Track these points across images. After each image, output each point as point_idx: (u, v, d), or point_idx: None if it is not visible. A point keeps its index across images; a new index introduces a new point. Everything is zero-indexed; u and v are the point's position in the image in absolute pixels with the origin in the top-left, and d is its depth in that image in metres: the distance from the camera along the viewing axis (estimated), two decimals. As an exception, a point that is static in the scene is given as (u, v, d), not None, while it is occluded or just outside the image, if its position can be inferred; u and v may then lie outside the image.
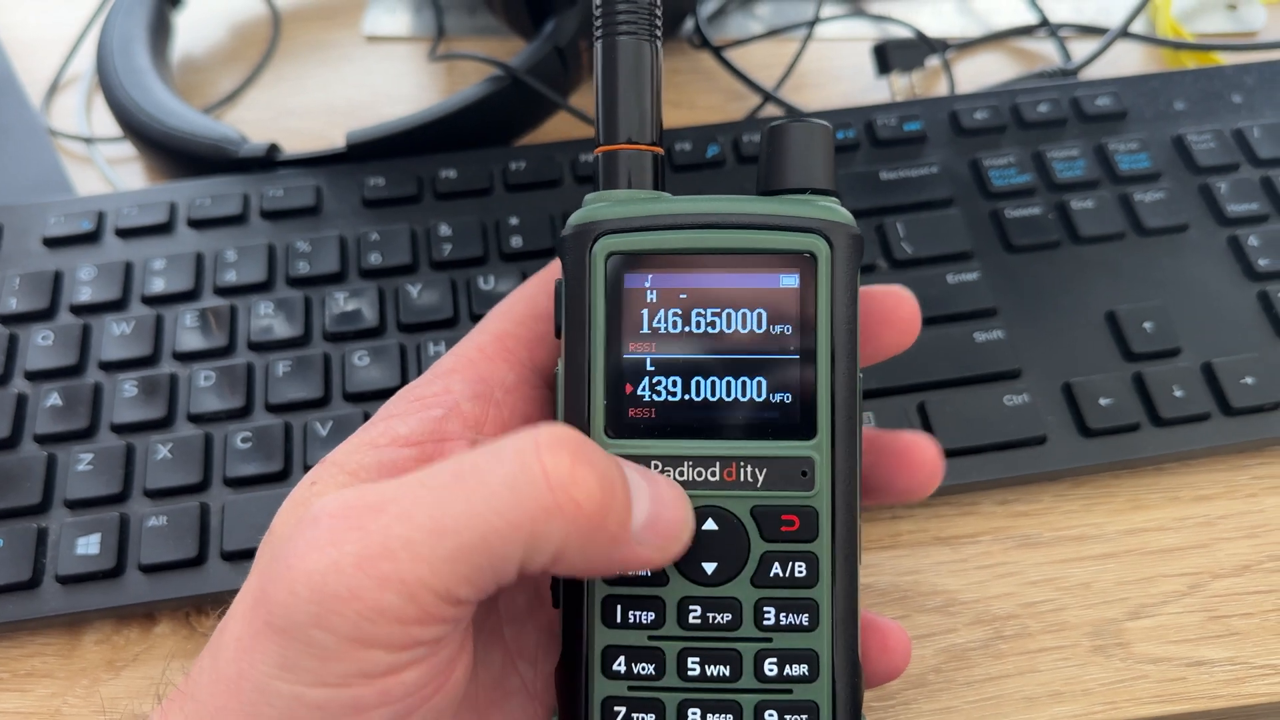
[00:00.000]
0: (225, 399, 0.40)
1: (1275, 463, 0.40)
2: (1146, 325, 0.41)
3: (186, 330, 0.42)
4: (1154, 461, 0.39)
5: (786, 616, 0.26)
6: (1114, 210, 0.44)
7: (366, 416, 0.40)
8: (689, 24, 0.56)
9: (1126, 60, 0.55)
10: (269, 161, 0.48)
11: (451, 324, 0.42)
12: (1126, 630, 0.36)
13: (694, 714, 0.26)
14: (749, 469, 0.26)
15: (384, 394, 0.40)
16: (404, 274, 0.44)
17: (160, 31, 0.55)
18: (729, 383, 0.27)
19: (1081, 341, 0.41)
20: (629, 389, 0.27)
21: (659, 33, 0.28)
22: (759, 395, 0.27)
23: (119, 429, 0.40)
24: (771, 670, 0.26)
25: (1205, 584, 0.37)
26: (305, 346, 0.42)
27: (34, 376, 0.41)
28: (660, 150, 0.28)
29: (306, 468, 0.39)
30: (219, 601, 0.38)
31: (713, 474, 0.26)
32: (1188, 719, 0.35)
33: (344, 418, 0.40)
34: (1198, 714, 0.35)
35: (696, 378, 0.27)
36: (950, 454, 0.38)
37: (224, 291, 0.43)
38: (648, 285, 0.27)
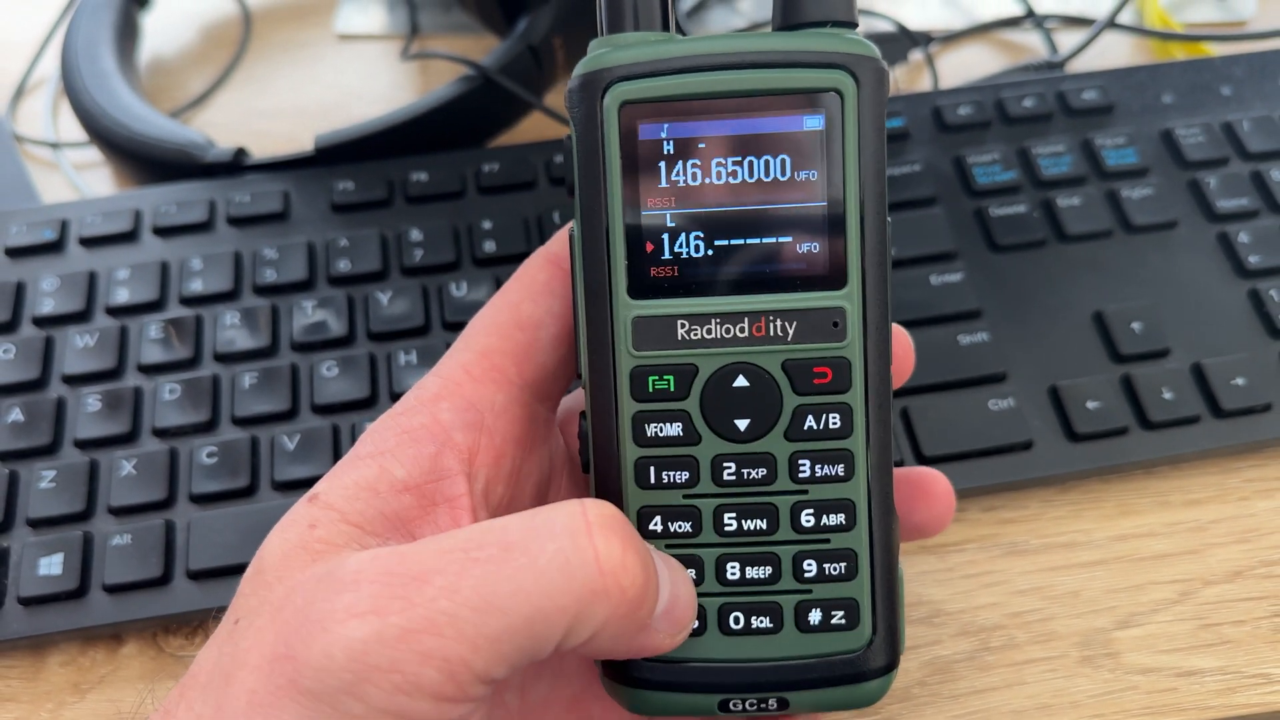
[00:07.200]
0: (190, 413, 0.39)
1: (1267, 465, 0.39)
2: (1135, 325, 0.40)
3: (151, 342, 0.41)
4: (1143, 466, 0.38)
5: (822, 468, 0.26)
6: (1101, 207, 0.43)
7: (335, 429, 0.39)
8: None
9: (1114, 52, 0.54)
10: (236, 166, 0.47)
11: (423, 332, 0.41)
12: (1116, 640, 0.35)
13: (733, 567, 0.26)
14: (779, 323, 0.26)
15: (353, 406, 0.39)
16: (374, 281, 0.43)
17: (127, 33, 0.54)
18: (755, 235, 0.26)
19: (1068, 343, 0.40)
20: (650, 248, 0.26)
21: None
22: (786, 246, 0.26)
23: (82, 444, 0.39)
24: (809, 521, 0.26)
25: (1196, 591, 0.36)
26: (272, 357, 0.41)
27: (-5, 391, 0.40)
28: None
29: (274, 483, 0.38)
30: (185, 621, 0.37)
31: (741, 330, 0.26)
32: (1179, 731, 0.34)
33: (312, 430, 0.39)
34: (1189, 726, 0.34)
35: (720, 231, 0.26)
36: (935, 461, 0.38)
37: (189, 301, 0.42)
38: (664, 135, 0.25)
